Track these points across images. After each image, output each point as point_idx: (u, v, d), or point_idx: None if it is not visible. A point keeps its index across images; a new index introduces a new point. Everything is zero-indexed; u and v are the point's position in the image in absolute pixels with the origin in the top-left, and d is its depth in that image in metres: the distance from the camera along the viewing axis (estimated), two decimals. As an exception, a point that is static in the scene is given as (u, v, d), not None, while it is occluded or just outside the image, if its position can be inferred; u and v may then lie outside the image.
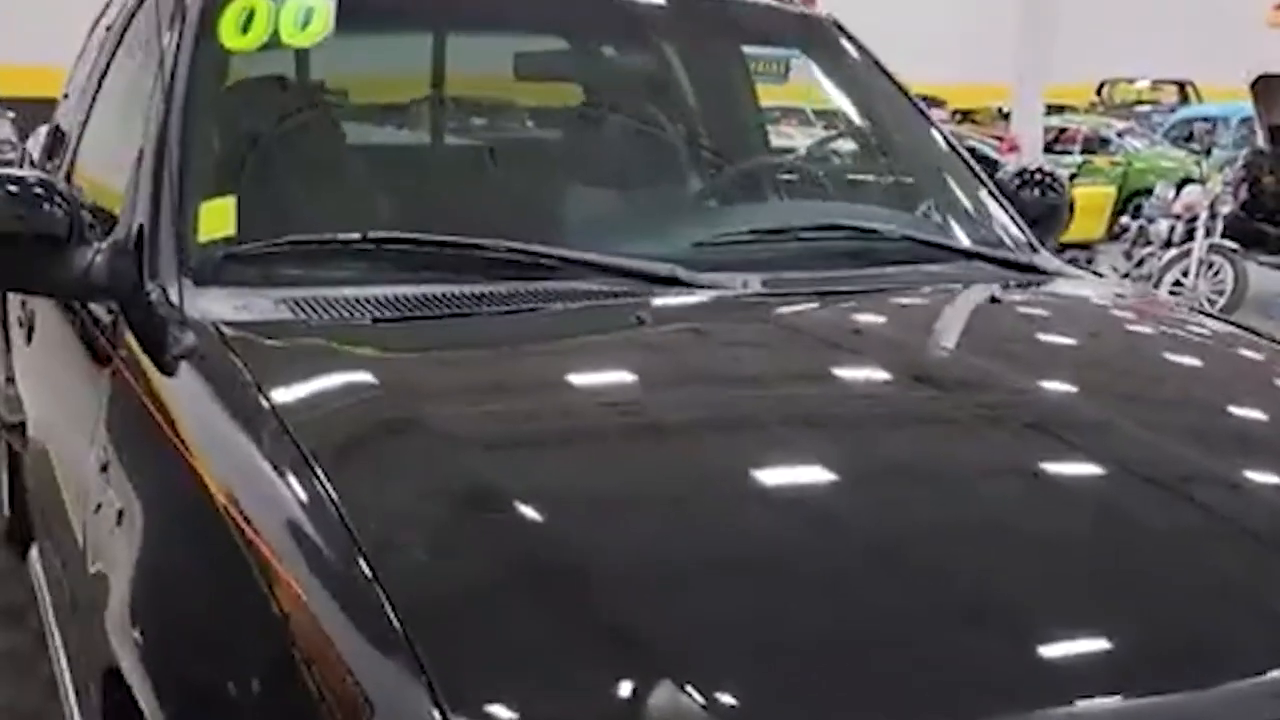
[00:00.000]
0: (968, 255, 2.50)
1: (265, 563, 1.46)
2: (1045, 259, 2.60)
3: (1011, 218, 2.70)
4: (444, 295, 2.04)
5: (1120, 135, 15.33)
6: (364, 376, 1.84)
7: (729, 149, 3.05)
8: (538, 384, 1.89)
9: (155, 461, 1.84)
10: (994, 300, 2.31)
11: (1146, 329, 2.45)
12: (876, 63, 2.94)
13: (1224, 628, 1.40)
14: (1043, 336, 2.31)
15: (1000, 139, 13.40)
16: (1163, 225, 9.39)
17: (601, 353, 2.04)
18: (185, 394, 1.84)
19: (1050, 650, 1.34)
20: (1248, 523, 1.59)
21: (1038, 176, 2.91)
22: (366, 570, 1.34)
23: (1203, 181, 9.77)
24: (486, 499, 1.50)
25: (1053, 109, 15.62)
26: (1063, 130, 15.35)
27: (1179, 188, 9.84)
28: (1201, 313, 2.79)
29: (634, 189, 2.66)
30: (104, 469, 1.98)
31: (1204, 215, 9.04)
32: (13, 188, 2.10)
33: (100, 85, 3.10)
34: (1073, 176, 10.13)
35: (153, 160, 2.21)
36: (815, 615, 1.37)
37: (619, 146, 2.77)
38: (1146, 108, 21.75)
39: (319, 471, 1.51)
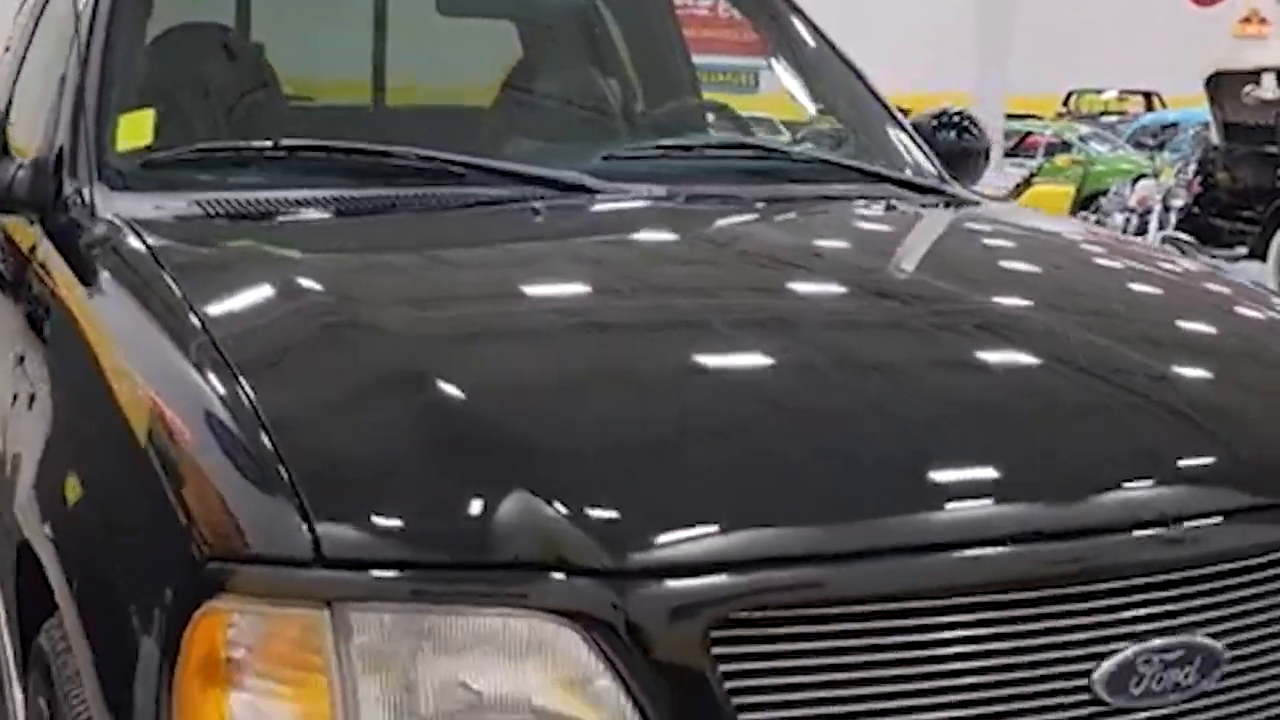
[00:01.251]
0: (875, 178, 2.58)
1: (156, 418, 1.53)
2: (953, 187, 2.68)
3: (923, 151, 2.78)
4: (348, 197, 2.12)
5: (1083, 140, 15.50)
6: (261, 255, 1.92)
7: (652, 86, 3.14)
8: (425, 262, 1.98)
9: (62, 343, 1.90)
10: (890, 208, 2.40)
11: (1033, 234, 2.53)
12: (797, 10, 3.03)
13: (1103, 463, 1.49)
14: (931, 238, 2.39)
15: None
16: (1118, 219, 9.54)
17: (498, 244, 2.11)
18: (93, 279, 1.90)
19: (935, 471, 1.44)
20: (1115, 376, 1.70)
21: (954, 119, 2.99)
22: (251, 414, 1.40)
23: (1156, 175, 9.92)
24: (376, 349, 1.57)
25: (1018, 119, 15.78)
26: (1026, 135, 15.51)
27: (1134, 183, 10.00)
28: (1091, 230, 2.90)
29: (549, 111, 2.74)
30: (20, 361, 2.05)
31: (1157, 208, 9.20)
32: None
33: (23, 59, 3.17)
34: (1032, 176, 10.24)
35: (75, 80, 2.27)
36: (684, 441, 1.45)
37: (539, 79, 2.85)
38: (1113, 118, 21.96)
39: (210, 332, 1.58)
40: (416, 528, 1.28)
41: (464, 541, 1.27)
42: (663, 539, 1.29)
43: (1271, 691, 1.46)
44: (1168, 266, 2.35)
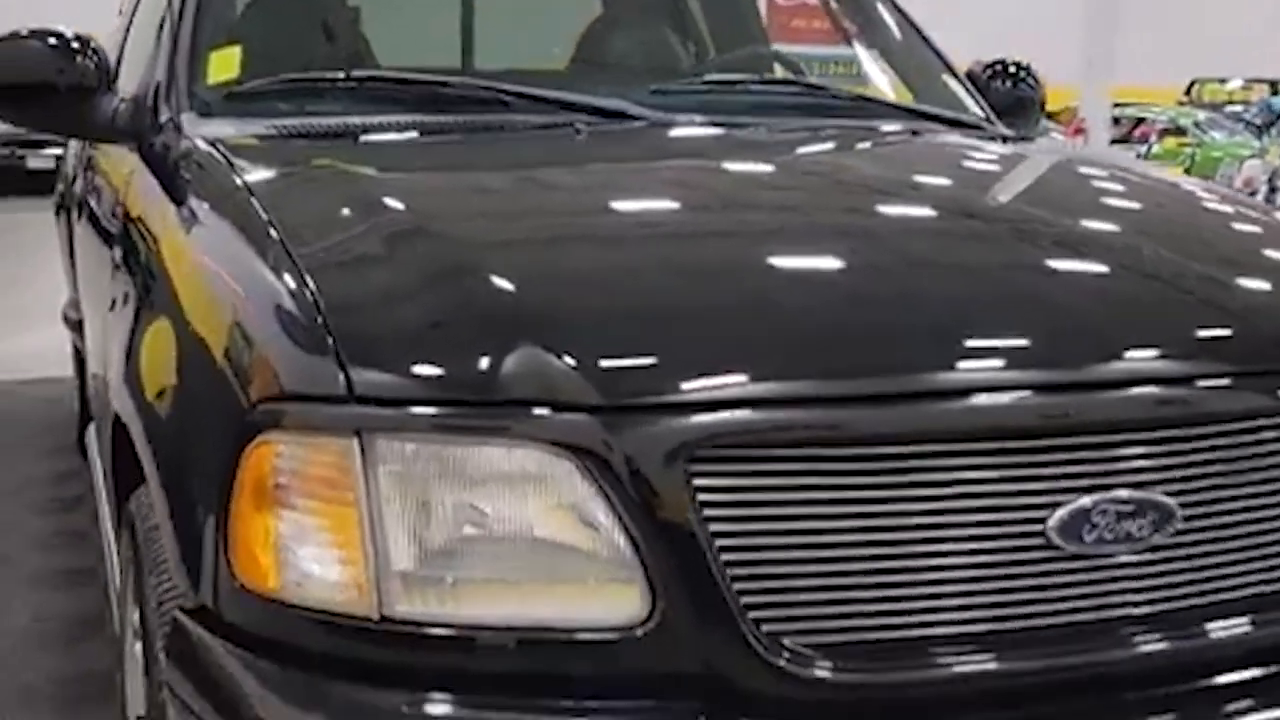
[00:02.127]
0: (919, 115, 2.70)
1: (221, 297, 1.73)
2: (998, 126, 2.79)
3: (972, 96, 2.89)
4: (414, 122, 2.32)
5: (1198, 125, 15.25)
6: (324, 165, 2.11)
7: (724, 49, 3.31)
8: (474, 165, 2.19)
9: (148, 248, 2.13)
10: (921, 139, 2.52)
11: (1072, 161, 2.64)
12: None
13: (1075, 325, 1.63)
14: (964, 164, 2.51)
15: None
16: (1225, 199, 9.41)
17: (542, 157, 2.29)
18: (176, 188, 2.12)
19: (910, 326, 1.60)
20: (1119, 261, 1.87)
21: (1010, 69, 3.10)
22: (300, 285, 1.59)
23: (1263, 156, 9.76)
24: (412, 235, 1.75)
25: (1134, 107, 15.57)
26: (1139, 122, 15.31)
27: (1242, 164, 9.85)
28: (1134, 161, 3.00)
29: (617, 64, 2.92)
30: (115, 270, 2.29)
31: (1263, 189, 9.07)
32: (53, 41, 2.40)
33: (130, 21, 3.43)
34: (1137, 158, 10.15)
35: (172, 22, 2.50)
36: (674, 300, 1.62)
37: (612, 35, 3.04)
38: (1237, 107, 21.48)
39: (272, 224, 1.78)
40: (435, 371, 1.46)
41: (475, 383, 1.45)
42: (647, 381, 1.46)
43: (1219, 551, 1.58)
44: (1195, 192, 2.44)
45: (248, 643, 1.49)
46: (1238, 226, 2.18)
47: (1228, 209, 2.25)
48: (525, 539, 1.44)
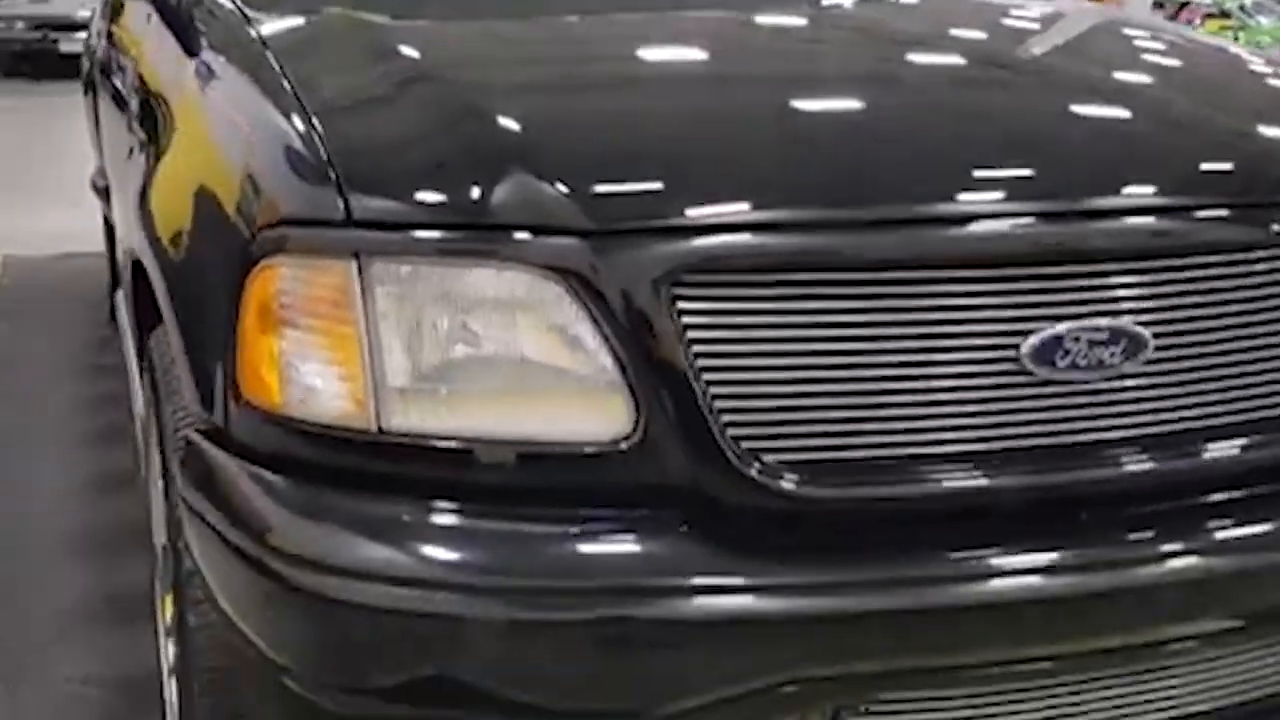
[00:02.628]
0: None
1: (228, 131, 1.79)
2: None
3: None
4: None
5: (1244, 9, 14.95)
6: (343, 16, 2.14)
7: None
8: (482, 13, 2.22)
9: (162, 96, 2.19)
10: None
11: (1100, 22, 2.64)
12: None
13: (1054, 154, 1.70)
14: (991, 18, 2.50)
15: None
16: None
17: (553, 5, 2.30)
18: (189, 37, 2.18)
19: (898, 155, 1.65)
20: (1107, 99, 1.93)
21: None
22: (303, 119, 1.64)
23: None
24: (417, 79, 1.80)
25: None
26: (1184, 4, 15.03)
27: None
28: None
29: None
30: (131, 121, 2.35)
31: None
32: None
33: None
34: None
35: None
36: (665, 130, 1.67)
37: None
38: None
39: (277, 61, 1.83)
40: (430, 197, 1.52)
41: (468, 208, 1.50)
42: (634, 206, 1.51)
43: (1189, 380, 1.63)
44: (1225, 49, 2.46)
45: (256, 458, 1.57)
46: (1256, 77, 2.18)
47: (1253, 64, 2.25)
48: (515, 358, 1.50)
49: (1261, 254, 1.64)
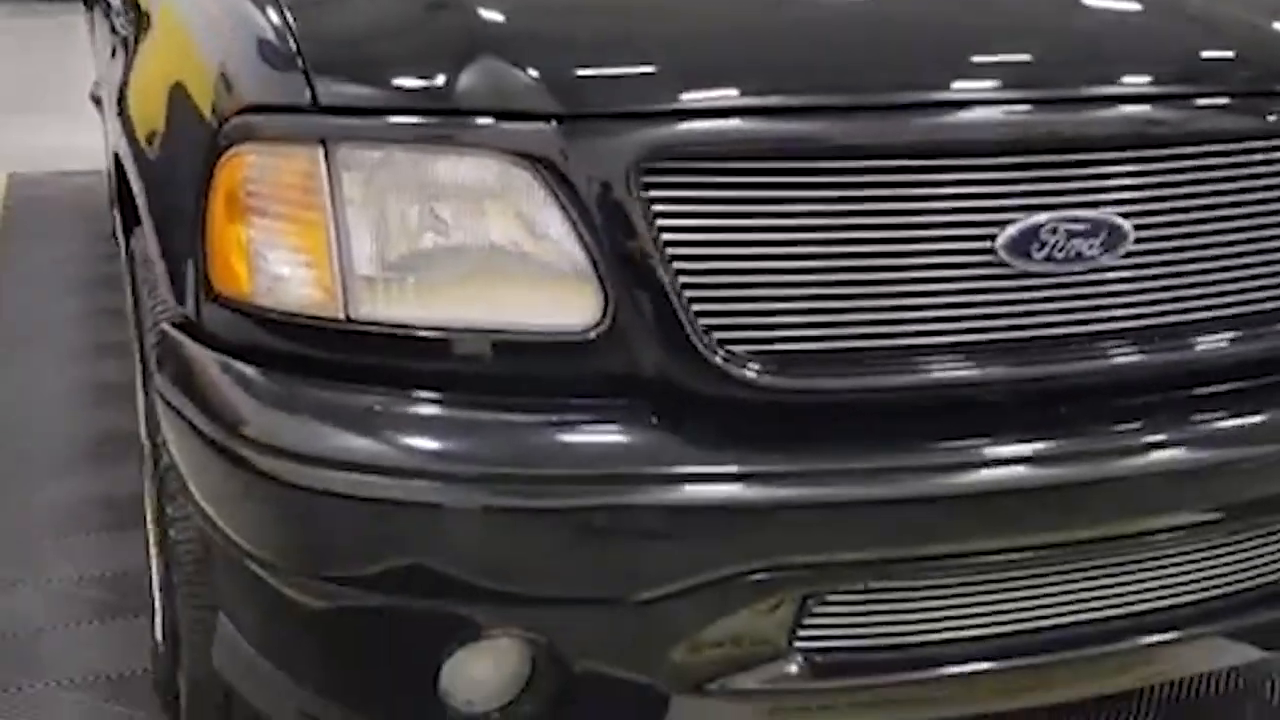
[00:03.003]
0: None
1: (198, 22, 1.76)
2: None
3: None
4: None
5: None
6: None
7: None
8: None
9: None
10: None
11: None
12: None
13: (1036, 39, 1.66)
14: None
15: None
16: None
17: None
18: None
19: (872, 41, 1.62)
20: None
21: None
22: (281, 15, 1.61)
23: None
24: None
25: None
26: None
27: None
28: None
29: None
30: (113, 26, 2.33)
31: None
32: None
33: None
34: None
35: None
36: (632, 19, 1.63)
37: None
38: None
39: None
40: (398, 82, 1.50)
41: (436, 93, 1.48)
42: (603, 91, 1.49)
43: (1169, 274, 1.60)
44: None
45: (228, 349, 1.57)
46: None
47: None
48: (483, 246, 1.49)
49: (1250, 145, 1.61)
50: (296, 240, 1.51)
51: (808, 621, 1.53)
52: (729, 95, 1.50)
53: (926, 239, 1.51)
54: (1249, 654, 1.80)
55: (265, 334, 1.54)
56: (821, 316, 1.50)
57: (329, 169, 1.48)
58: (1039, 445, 1.53)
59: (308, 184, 1.49)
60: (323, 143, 1.48)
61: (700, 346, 1.47)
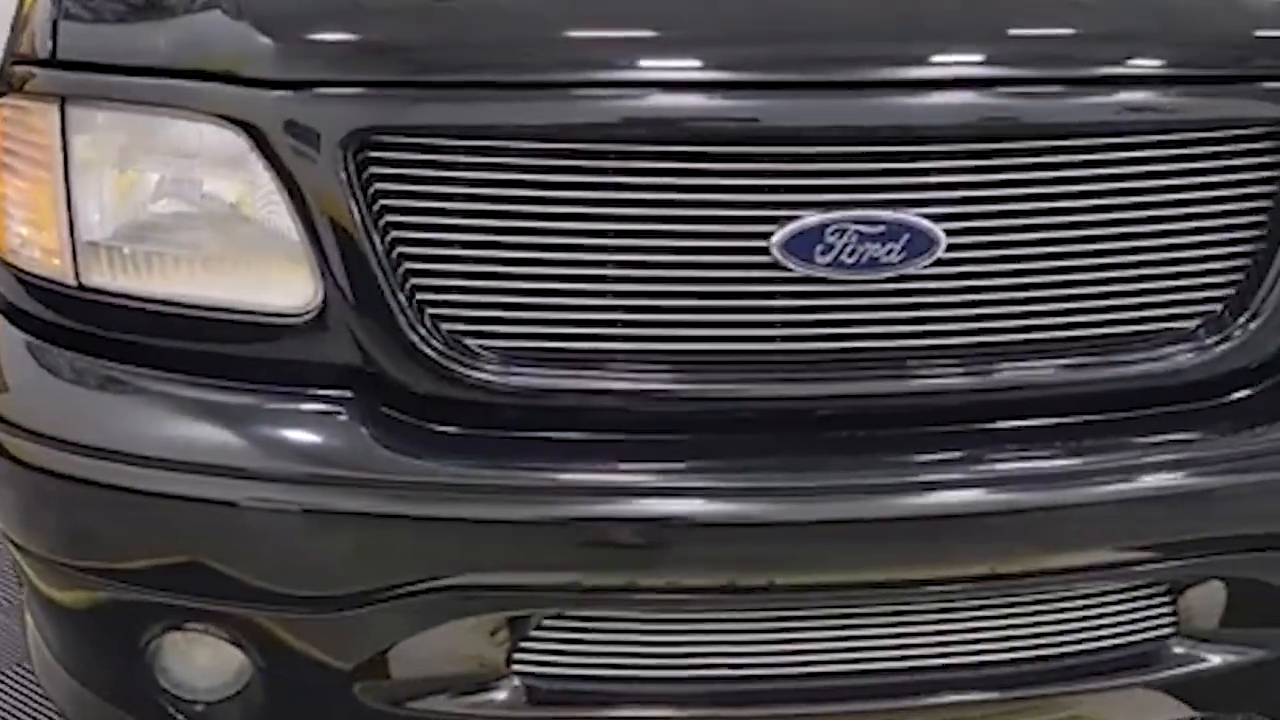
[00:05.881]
0: None
1: None
2: None
3: None
4: None
5: None
6: None
7: None
8: None
9: None
10: None
11: None
12: None
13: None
14: None
15: None
16: None
17: None
18: None
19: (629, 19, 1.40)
20: None
21: None
22: None
23: None
24: None
25: None
26: None
27: None
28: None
29: None
30: None
31: None
32: None
33: None
34: None
35: None
36: None
37: None
38: None
39: None
40: (127, 39, 1.44)
41: (162, 52, 1.41)
42: (319, 61, 1.37)
43: (989, 288, 1.38)
44: None
45: None
46: None
47: None
48: (203, 215, 1.41)
49: (1093, 142, 1.36)
50: (35, 200, 1.46)
51: (526, 646, 1.41)
52: (449, 72, 1.35)
53: (685, 234, 1.34)
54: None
55: (15, 292, 1.51)
56: (559, 314, 1.36)
57: (63, 128, 1.42)
58: (788, 477, 1.35)
59: (46, 141, 1.44)
60: (61, 101, 1.43)
61: (415, 338, 1.36)
